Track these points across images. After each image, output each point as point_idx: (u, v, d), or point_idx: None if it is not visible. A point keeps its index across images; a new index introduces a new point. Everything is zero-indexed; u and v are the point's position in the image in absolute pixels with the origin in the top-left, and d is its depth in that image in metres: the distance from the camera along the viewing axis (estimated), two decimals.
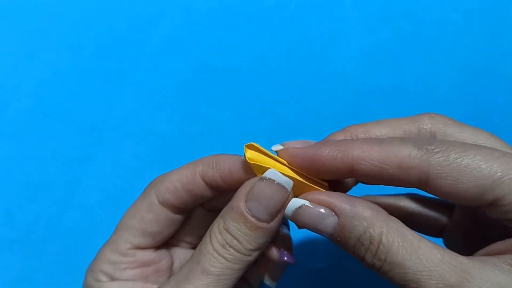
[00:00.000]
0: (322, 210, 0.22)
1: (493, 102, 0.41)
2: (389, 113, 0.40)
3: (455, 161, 0.20)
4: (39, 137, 0.38)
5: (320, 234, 0.22)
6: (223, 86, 0.40)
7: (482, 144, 0.22)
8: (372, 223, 0.21)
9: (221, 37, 0.40)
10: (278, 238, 0.26)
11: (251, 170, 0.23)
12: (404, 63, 0.41)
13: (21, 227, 0.37)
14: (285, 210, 0.23)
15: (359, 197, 0.22)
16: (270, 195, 0.22)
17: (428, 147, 0.20)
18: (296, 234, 0.29)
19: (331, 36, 0.41)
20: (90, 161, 0.38)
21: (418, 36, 0.41)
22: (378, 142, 0.21)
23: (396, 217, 0.21)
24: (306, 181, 0.23)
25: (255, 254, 0.23)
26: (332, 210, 0.21)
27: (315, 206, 0.22)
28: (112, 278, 0.25)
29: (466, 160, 0.20)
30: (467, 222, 0.26)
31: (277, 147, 0.24)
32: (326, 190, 0.23)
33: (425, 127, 0.24)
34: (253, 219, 0.22)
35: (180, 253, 0.29)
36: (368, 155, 0.21)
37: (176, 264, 0.28)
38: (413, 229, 0.21)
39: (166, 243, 0.28)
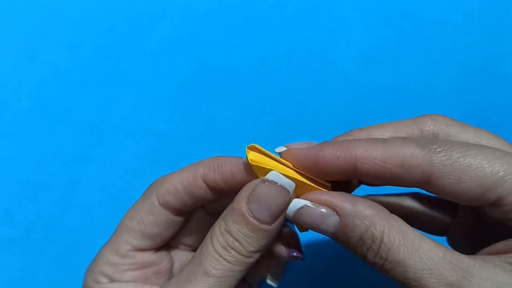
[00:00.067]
0: (324, 210, 0.22)
1: (493, 102, 0.41)
2: (389, 113, 0.40)
3: (458, 160, 0.20)
4: (39, 137, 0.38)
5: (323, 234, 0.22)
6: (223, 86, 0.40)
7: (485, 144, 0.22)
8: (374, 221, 0.21)
9: (221, 37, 0.40)
10: (285, 234, 0.26)
11: (252, 172, 0.23)
12: (404, 63, 0.41)
13: (21, 227, 0.37)
14: (287, 211, 0.23)
15: (360, 196, 0.22)
16: (272, 197, 0.22)
17: (431, 146, 0.20)
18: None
19: (331, 36, 0.41)
20: (90, 161, 0.38)
21: (418, 36, 0.41)
22: (381, 141, 0.21)
23: (399, 216, 0.21)
24: (309, 182, 0.23)
25: (256, 256, 0.23)
26: (334, 209, 0.21)
27: (316, 206, 0.22)
28: (112, 280, 0.25)
29: (468, 159, 0.20)
30: (470, 222, 0.26)
31: (280, 149, 0.24)
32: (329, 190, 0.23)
33: (427, 128, 0.24)
34: (254, 221, 0.22)
35: (180, 255, 0.29)
36: (370, 155, 0.21)
37: (176, 266, 0.28)
38: (416, 228, 0.21)
39: (166, 245, 0.28)
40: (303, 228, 0.24)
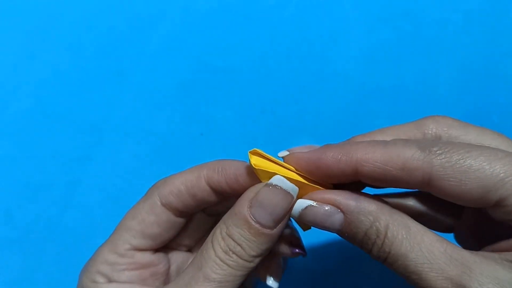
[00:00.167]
0: (328, 208, 0.22)
1: (493, 102, 0.41)
2: (389, 114, 0.40)
3: (458, 162, 0.20)
4: (39, 137, 0.38)
5: (328, 231, 0.22)
6: (223, 86, 0.40)
7: (488, 145, 0.22)
8: (378, 216, 0.21)
9: (221, 37, 0.40)
10: (286, 232, 0.26)
11: (255, 176, 0.23)
12: (404, 63, 0.41)
13: (21, 227, 0.37)
14: (292, 212, 0.23)
15: (363, 193, 0.22)
16: (275, 201, 0.22)
17: (431, 148, 0.20)
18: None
19: (331, 36, 0.41)
20: (90, 161, 0.38)
21: (418, 36, 0.41)
22: (382, 144, 0.21)
23: None
24: (312, 184, 0.23)
25: (257, 260, 0.23)
26: (338, 207, 0.22)
27: (320, 205, 0.22)
28: (110, 280, 0.25)
29: (469, 161, 0.20)
30: (475, 221, 0.26)
31: (283, 153, 0.24)
32: None
33: (429, 131, 0.24)
34: (257, 225, 0.22)
35: (177, 257, 0.29)
36: (371, 157, 0.21)
37: (173, 268, 0.28)
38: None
39: (164, 246, 0.28)
40: (306, 227, 0.24)
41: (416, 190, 0.26)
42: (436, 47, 0.41)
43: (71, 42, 0.39)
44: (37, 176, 0.37)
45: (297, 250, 0.26)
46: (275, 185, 0.22)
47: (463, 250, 0.20)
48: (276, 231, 0.22)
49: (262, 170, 0.22)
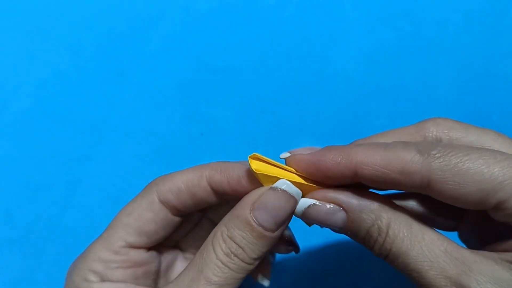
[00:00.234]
0: (330, 207, 0.22)
1: (493, 102, 0.41)
2: (389, 114, 0.40)
3: (456, 165, 0.20)
4: (39, 137, 0.38)
5: (331, 229, 0.23)
6: (223, 86, 0.40)
7: (489, 146, 0.22)
8: (380, 215, 0.21)
9: (221, 37, 0.40)
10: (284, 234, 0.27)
11: (255, 179, 0.23)
12: (404, 63, 0.41)
13: (21, 227, 0.37)
14: (295, 210, 0.23)
15: (365, 191, 0.23)
16: (280, 205, 0.22)
17: (430, 152, 0.20)
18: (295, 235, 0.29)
19: (331, 36, 0.41)
20: (90, 161, 0.38)
21: (418, 36, 0.41)
22: (382, 147, 0.21)
23: None
24: (313, 184, 0.23)
25: (256, 263, 0.23)
26: (340, 206, 0.22)
27: (323, 204, 0.22)
28: (103, 278, 0.24)
29: (467, 164, 0.20)
30: (477, 221, 0.26)
31: (284, 154, 0.24)
32: None
33: (430, 134, 0.24)
34: (259, 228, 0.22)
35: (168, 256, 0.28)
36: (370, 160, 0.21)
37: (163, 267, 0.28)
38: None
39: (157, 245, 0.27)
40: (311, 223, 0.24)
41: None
42: (436, 47, 0.41)
43: (71, 42, 0.39)
44: (37, 176, 0.37)
45: (290, 247, 0.27)
46: (280, 189, 0.22)
47: (464, 249, 0.20)
48: (277, 234, 0.23)
49: (263, 174, 0.22)
